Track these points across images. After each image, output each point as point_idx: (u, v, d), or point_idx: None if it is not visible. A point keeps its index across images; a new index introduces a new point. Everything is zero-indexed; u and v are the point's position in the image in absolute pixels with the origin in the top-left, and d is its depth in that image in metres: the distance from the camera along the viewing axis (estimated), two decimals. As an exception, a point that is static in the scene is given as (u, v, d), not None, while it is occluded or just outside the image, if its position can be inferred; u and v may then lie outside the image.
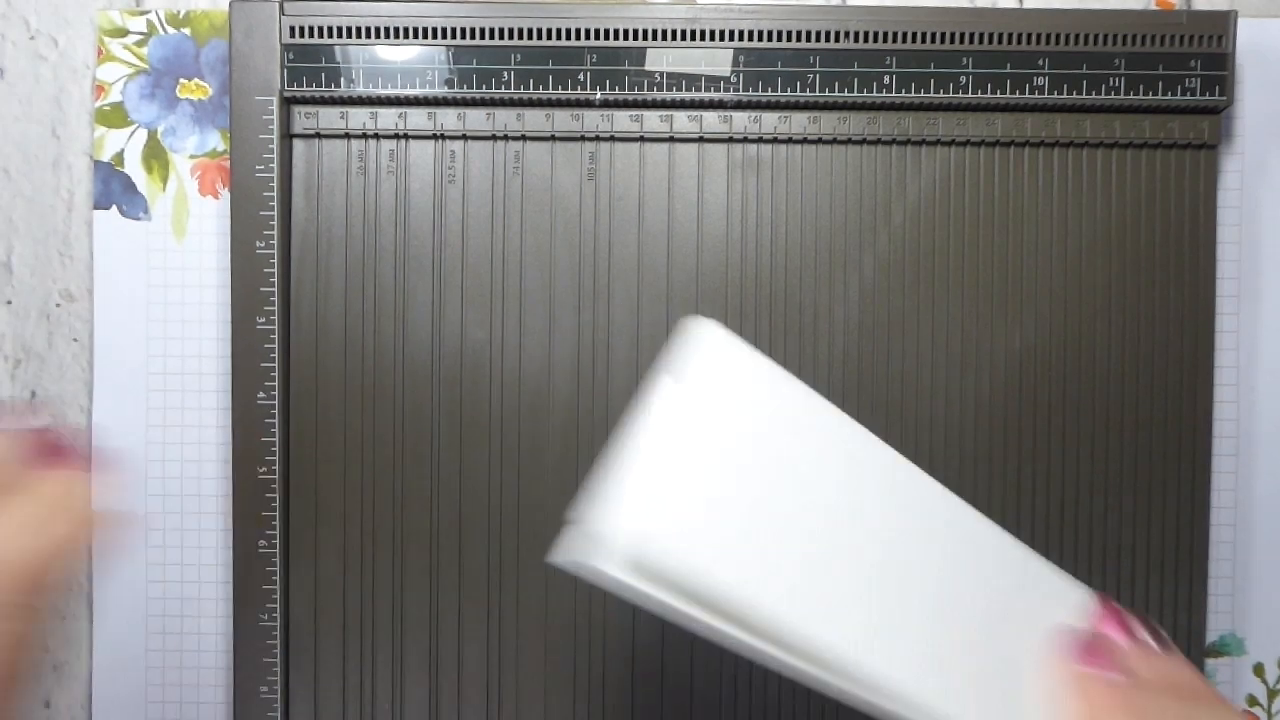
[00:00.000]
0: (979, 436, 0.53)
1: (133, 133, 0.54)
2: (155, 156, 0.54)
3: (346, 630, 0.53)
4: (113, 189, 0.54)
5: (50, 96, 0.55)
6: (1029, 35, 0.52)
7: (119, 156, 0.54)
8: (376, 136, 0.53)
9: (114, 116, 0.54)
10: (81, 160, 0.55)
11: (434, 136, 0.53)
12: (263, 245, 0.52)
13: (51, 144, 0.55)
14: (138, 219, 0.54)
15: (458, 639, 0.53)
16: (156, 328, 0.54)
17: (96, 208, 0.54)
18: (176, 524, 0.54)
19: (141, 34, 0.54)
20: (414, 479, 0.53)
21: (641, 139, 0.53)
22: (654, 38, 0.52)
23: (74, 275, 0.55)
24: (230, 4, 0.52)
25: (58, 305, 0.55)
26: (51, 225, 0.55)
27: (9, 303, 0.55)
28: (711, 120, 0.53)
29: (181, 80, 0.54)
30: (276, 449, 0.52)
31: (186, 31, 0.54)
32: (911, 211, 0.53)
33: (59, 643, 0.55)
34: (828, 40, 0.52)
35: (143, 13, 0.54)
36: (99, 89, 0.54)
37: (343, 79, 0.52)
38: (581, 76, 0.52)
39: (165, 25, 0.54)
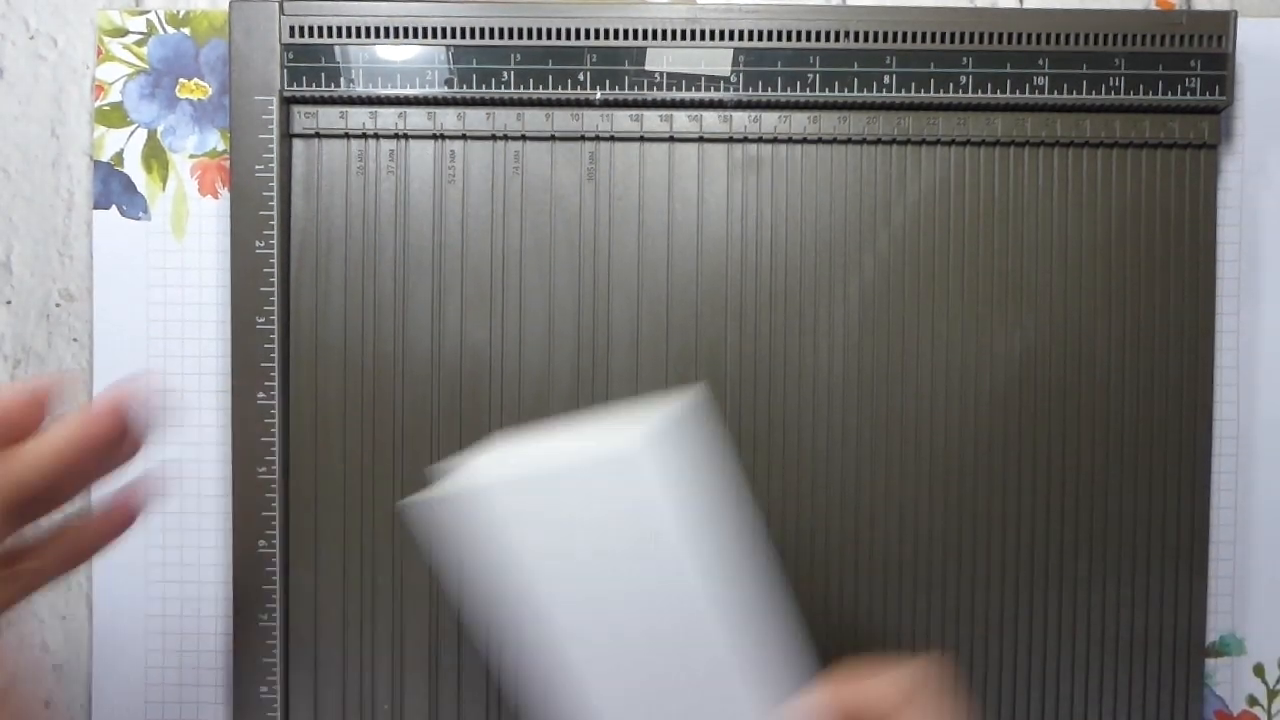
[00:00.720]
0: (979, 436, 0.53)
1: (132, 132, 0.54)
2: (155, 156, 0.54)
3: (346, 630, 0.53)
4: (112, 189, 0.54)
5: (50, 96, 0.55)
6: (1029, 35, 0.52)
7: (119, 156, 0.54)
8: (376, 136, 0.53)
9: (113, 116, 0.54)
10: (81, 160, 0.55)
11: (434, 136, 0.53)
12: (262, 245, 0.52)
13: (51, 144, 0.55)
14: (137, 219, 0.54)
15: (457, 640, 0.53)
16: (156, 327, 0.54)
17: (96, 207, 0.54)
18: (176, 524, 0.54)
19: (141, 34, 0.54)
20: (414, 478, 0.53)
21: (641, 139, 0.53)
22: (654, 37, 0.52)
23: (74, 275, 0.55)
24: (230, 4, 0.52)
25: (57, 305, 0.55)
26: (51, 225, 0.55)
27: (9, 302, 0.55)
28: (711, 120, 0.53)
29: (181, 80, 0.54)
30: (276, 449, 0.52)
31: (186, 31, 0.54)
32: (911, 211, 0.53)
33: (59, 643, 0.55)
34: (828, 40, 0.52)
35: (142, 12, 0.54)
36: (98, 89, 0.54)
37: (342, 79, 0.52)
38: (581, 76, 0.52)
39: (165, 25, 0.54)
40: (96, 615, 0.55)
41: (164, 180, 0.54)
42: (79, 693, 0.55)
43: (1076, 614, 0.53)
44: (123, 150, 0.54)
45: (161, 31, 0.54)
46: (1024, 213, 0.53)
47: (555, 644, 0.41)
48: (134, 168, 0.54)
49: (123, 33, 0.54)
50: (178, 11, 0.54)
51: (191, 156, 0.54)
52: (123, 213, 0.54)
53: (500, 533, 0.40)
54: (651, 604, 0.41)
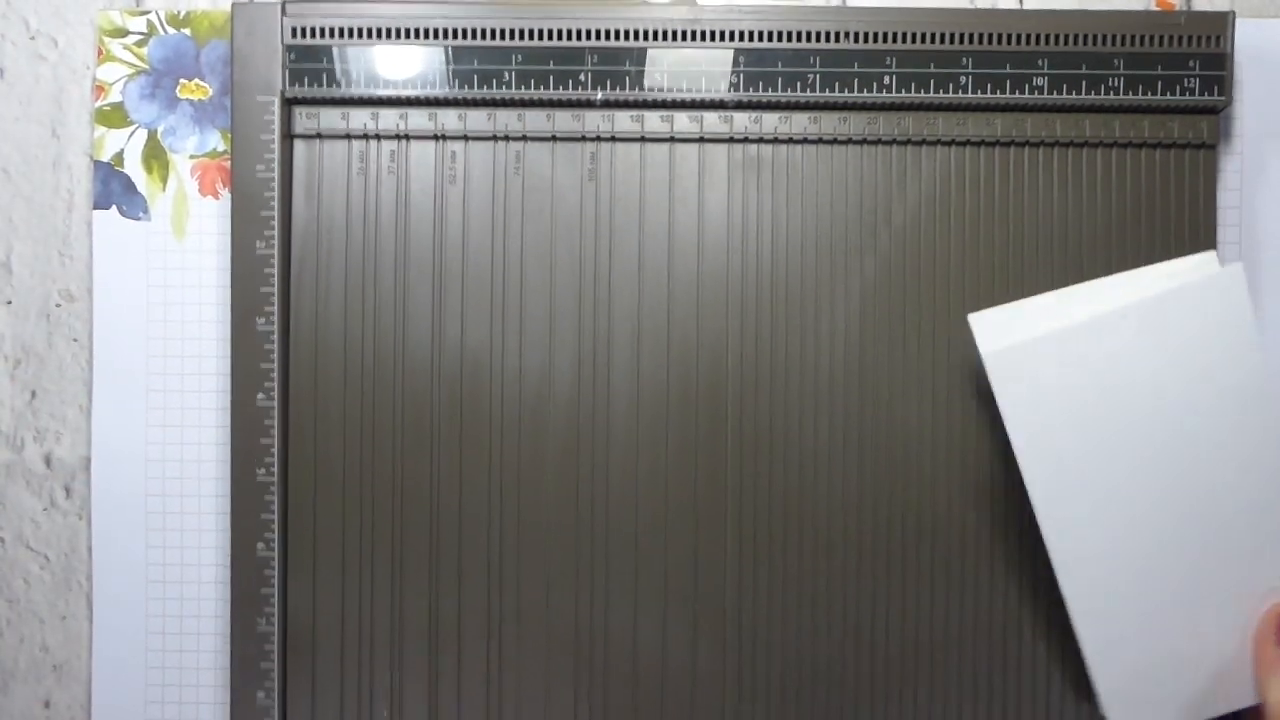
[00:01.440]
0: (981, 433, 0.53)
1: (133, 133, 0.54)
2: (155, 156, 0.54)
3: (345, 635, 0.53)
4: (112, 189, 0.54)
5: (50, 96, 0.55)
6: (1028, 35, 0.52)
7: (119, 156, 0.54)
8: (378, 137, 0.53)
9: (114, 116, 0.54)
10: (81, 160, 0.55)
11: (435, 137, 0.53)
12: (263, 246, 0.52)
13: (51, 144, 0.55)
14: (137, 219, 0.54)
15: (457, 644, 0.53)
16: (156, 328, 0.54)
17: (96, 208, 0.54)
18: (176, 524, 0.54)
19: (141, 34, 0.54)
20: (414, 482, 0.53)
21: (642, 139, 0.53)
22: (655, 38, 0.52)
23: (74, 275, 0.55)
24: (232, 5, 0.52)
25: (57, 305, 0.55)
26: (51, 225, 0.55)
27: (9, 303, 0.55)
28: (712, 120, 0.53)
29: (181, 80, 0.54)
30: (276, 451, 0.52)
31: (186, 32, 0.54)
32: (912, 211, 0.53)
33: (59, 643, 0.55)
34: (828, 40, 0.52)
35: (143, 13, 0.54)
36: (99, 89, 0.54)
37: (344, 80, 0.52)
38: (582, 77, 0.52)
39: (165, 25, 0.54)
40: (96, 615, 0.55)
41: (164, 180, 0.54)
42: (79, 693, 0.55)
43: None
44: (123, 150, 0.54)
45: (162, 32, 0.54)
46: (1024, 212, 0.53)
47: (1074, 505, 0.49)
48: (134, 168, 0.54)
49: (123, 33, 0.54)
50: (178, 12, 0.54)
51: (192, 157, 0.54)
52: (123, 213, 0.54)
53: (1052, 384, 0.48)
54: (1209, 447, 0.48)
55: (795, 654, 0.53)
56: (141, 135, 0.54)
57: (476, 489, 0.53)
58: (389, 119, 0.52)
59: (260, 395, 0.52)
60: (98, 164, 0.54)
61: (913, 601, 0.53)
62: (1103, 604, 0.49)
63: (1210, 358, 0.48)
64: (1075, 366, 0.48)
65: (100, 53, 0.54)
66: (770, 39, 0.52)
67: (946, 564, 0.53)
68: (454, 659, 0.53)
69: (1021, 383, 0.48)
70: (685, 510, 0.53)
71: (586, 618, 0.53)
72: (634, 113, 0.53)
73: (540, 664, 0.53)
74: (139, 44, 0.54)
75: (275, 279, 0.52)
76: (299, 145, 0.53)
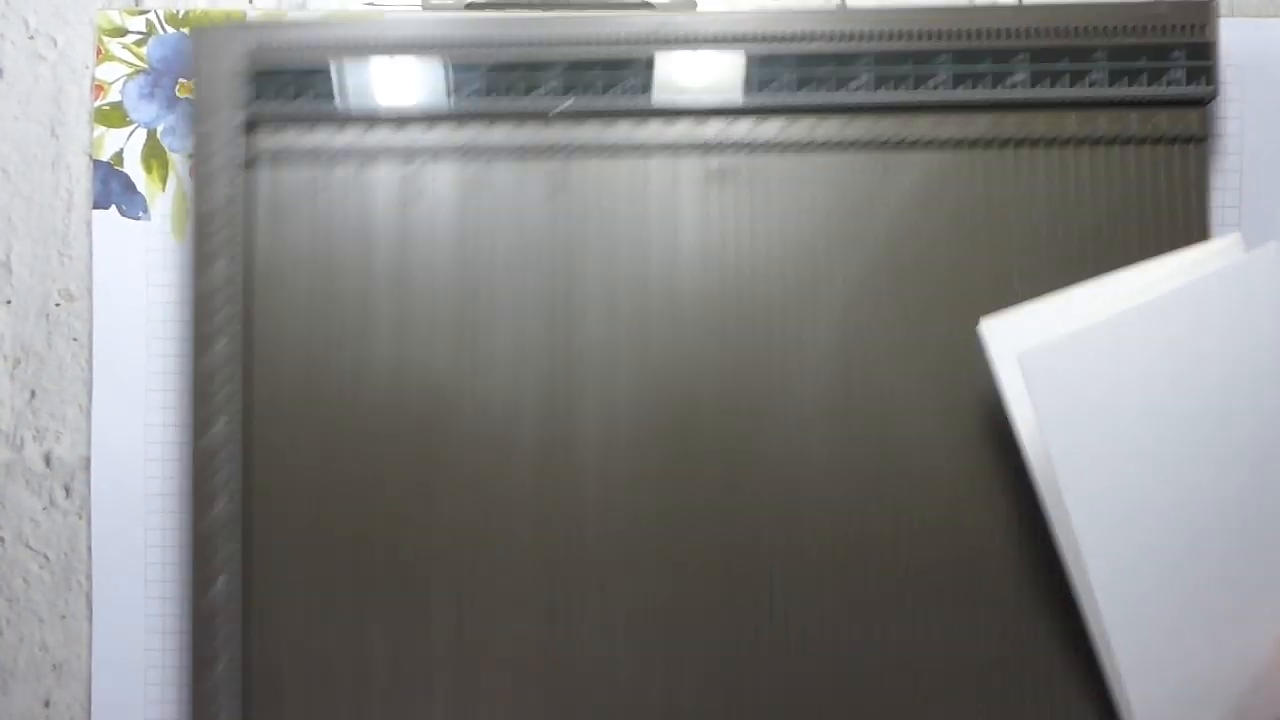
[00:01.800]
0: (969, 449, 0.51)
1: (132, 132, 0.55)
2: (155, 156, 0.55)
3: (307, 675, 0.51)
4: (112, 188, 0.55)
5: (49, 96, 0.55)
6: (1006, 30, 0.51)
7: (118, 156, 0.55)
8: (341, 154, 0.52)
9: (113, 116, 0.55)
10: (80, 160, 0.55)
11: (400, 152, 0.52)
12: (224, 266, 0.51)
13: (50, 144, 0.55)
14: (137, 218, 0.55)
15: (426, 677, 0.51)
16: (156, 327, 0.54)
17: (96, 207, 0.55)
18: (175, 523, 0.54)
19: (141, 33, 0.55)
20: (378, 511, 0.52)
21: (613, 149, 0.52)
22: (622, 46, 0.51)
23: (73, 275, 0.55)
24: (191, 29, 0.52)
25: (57, 305, 0.55)
26: (50, 225, 0.55)
27: (8, 303, 0.55)
28: (683, 128, 0.52)
29: (181, 80, 0.55)
30: (233, 484, 0.51)
31: (186, 31, 0.55)
32: (894, 217, 0.52)
33: (58, 642, 0.55)
34: (800, 42, 0.51)
35: (142, 12, 0.55)
36: (98, 88, 0.55)
37: (307, 99, 0.51)
38: (550, 87, 0.51)
39: (165, 25, 0.55)
40: (96, 615, 0.54)
41: (164, 180, 0.55)
42: (78, 692, 0.55)
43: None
44: (122, 150, 0.55)
45: (161, 31, 0.55)
46: (1010, 214, 0.52)
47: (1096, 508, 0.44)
48: (134, 167, 0.55)
49: (122, 32, 0.55)
50: (177, 11, 0.55)
51: (191, 156, 0.55)
52: (122, 212, 0.55)
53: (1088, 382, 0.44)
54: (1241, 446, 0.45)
55: (784, 696, 0.51)
56: (141, 135, 0.55)
57: (442, 518, 0.52)
58: (352, 136, 0.52)
59: (223, 421, 0.51)
60: (97, 163, 0.55)
61: (908, 637, 0.51)
62: (1142, 615, 0.45)
63: (1255, 343, 0.45)
64: (1114, 363, 0.44)
65: (99, 52, 0.55)
66: (742, 43, 0.51)
67: (939, 594, 0.51)
68: (422, 694, 0.51)
69: (1059, 384, 0.44)
70: (661, 541, 0.51)
71: (556, 653, 0.51)
72: (603, 122, 0.52)
73: (509, 701, 0.51)
74: (138, 43, 0.55)
75: (236, 301, 0.51)
76: (261, 165, 0.52)
